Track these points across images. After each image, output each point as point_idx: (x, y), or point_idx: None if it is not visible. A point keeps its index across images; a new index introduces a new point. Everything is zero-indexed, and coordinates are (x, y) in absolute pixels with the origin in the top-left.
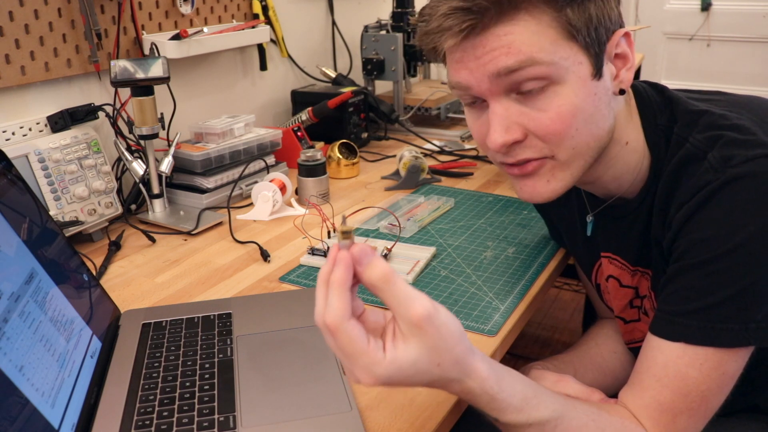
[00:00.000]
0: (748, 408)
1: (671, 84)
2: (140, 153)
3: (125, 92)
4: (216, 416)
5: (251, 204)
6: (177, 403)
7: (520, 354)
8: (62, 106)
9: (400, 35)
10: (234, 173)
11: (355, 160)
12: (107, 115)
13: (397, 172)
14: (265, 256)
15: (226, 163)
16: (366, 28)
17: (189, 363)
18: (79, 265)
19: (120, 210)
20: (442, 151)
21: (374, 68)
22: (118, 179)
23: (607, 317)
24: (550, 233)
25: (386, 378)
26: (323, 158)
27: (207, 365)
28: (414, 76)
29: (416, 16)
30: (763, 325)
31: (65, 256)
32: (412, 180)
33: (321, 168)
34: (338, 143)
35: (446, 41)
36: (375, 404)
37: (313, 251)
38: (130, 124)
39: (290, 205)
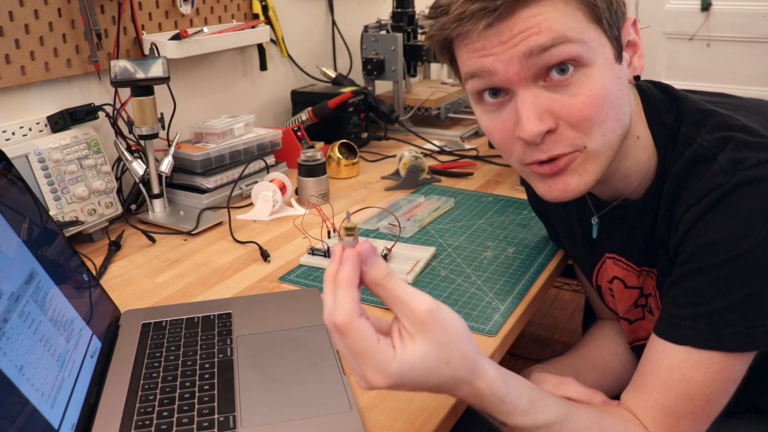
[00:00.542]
0: (749, 409)
1: (671, 84)
2: (140, 153)
3: (125, 92)
4: (216, 416)
5: (251, 204)
6: (177, 403)
7: (520, 354)
8: (62, 106)
9: (400, 35)
10: (234, 173)
11: (355, 160)
12: (107, 115)
13: (397, 172)
14: (265, 256)
15: (226, 163)
16: (366, 28)
17: (189, 363)
18: (79, 265)
19: (120, 210)
20: (442, 151)
21: (374, 68)
22: (118, 179)
23: (606, 318)
24: (549, 235)
25: (398, 376)
26: (323, 158)
27: (207, 365)
28: (414, 76)
29: (429, 11)
30: None
31: (65, 256)
32: (412, 180)
33: (321, 168)
34: (338, 143)
35: (473, 26)
36: (375, 404)
37: (313, 251)
38: (130, 124)
39: (290, 205)
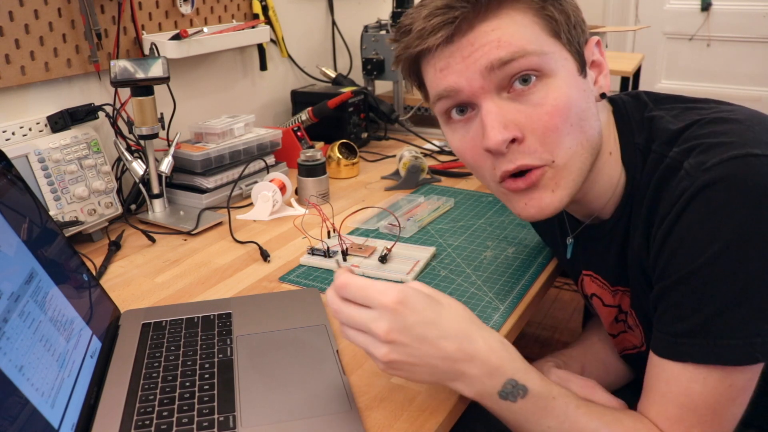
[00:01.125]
0: None
1: (671, 84)
2: (140, 153)
3: (125, 92)
4: (216, 416)
5: (251, 204)
6: (177, 403)
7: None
8: (62, 106)
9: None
10: (234, 173)
11: (355, 160)
12: (107, 115)
13: (397, 172)
14: (265, 256)
15: (226, 163)
16: (366, 28)
17: (189, 363)
18: (79, 265)
19: (120, 210)
20: (442, 151)
21: (374, 68)
22: (118, 179)
23: None
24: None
25: (402, 294)
26: (323, 158)
27: (207, 365)
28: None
29: (394, 33)
30: None
31: (65, 256)
32: (412, 180)
33: (321, 168)
34: (338, 143)
35: (434, 39)
36: (375, 404)
37: (312, 251)
38: (130, 124)
39: (290, 205)
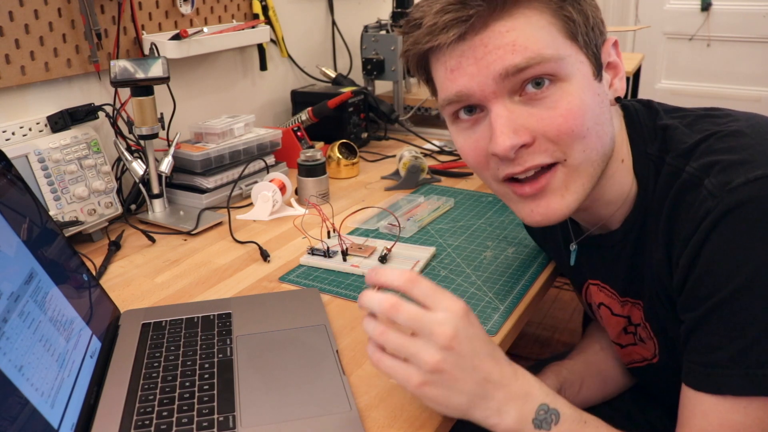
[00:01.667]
0: None
1: (671, 84)
2: (140, 153)
3: (125, 92)
4: (216, 416)
5: (251, 204)
6: (177, 403)
7: (520, 354)
8: (62, 106)
9: (400, 35)
10: (234, 173)
11: (355, 160)
12: (107, 115)
13: (397, 172)
14: (264, 256)
15: (225, 163)
16: (366, 28)
17: (189, 363)
18: (78, 265)
19: (120, 210)
20: (442, 151)
21: (374, 68)
22: (118, 179)
23: None
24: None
25: (468, 309)
26: (323, 158)
27: (207, 365)
28: (414, 76)
29: (403, 26)
30: None
31: (65, 256)
32: (412, 180)
33: (321, 168)
34: (338, 143)
35: (445, 37)
36: (375, 404)
37: (312, 251)
38: (130, 124)
39: (290, 205)
